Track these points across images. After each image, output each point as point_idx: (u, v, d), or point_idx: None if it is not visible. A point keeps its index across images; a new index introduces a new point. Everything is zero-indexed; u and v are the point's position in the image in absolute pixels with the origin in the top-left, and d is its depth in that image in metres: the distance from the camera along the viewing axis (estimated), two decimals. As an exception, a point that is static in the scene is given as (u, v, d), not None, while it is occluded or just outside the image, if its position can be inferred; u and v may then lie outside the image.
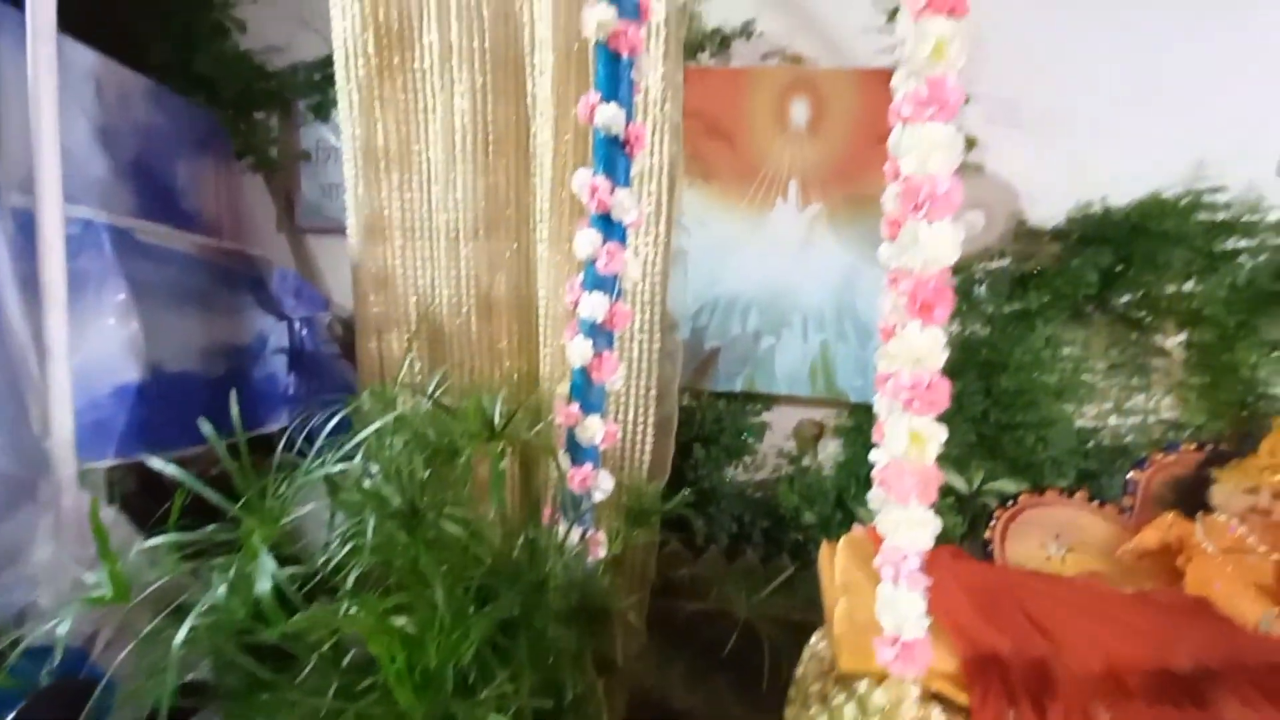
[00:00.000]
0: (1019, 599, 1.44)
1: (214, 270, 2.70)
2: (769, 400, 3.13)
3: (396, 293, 2.47)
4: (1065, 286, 2.82)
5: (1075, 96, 2.86)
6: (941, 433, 1.23)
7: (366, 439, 1.46)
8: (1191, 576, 1.54)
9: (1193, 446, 1.73)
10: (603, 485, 1.85)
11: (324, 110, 3.12)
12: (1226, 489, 1.58)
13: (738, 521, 3.00)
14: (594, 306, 1.71)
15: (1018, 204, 2.79)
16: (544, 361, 2.54)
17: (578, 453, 1.85)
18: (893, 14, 2.92)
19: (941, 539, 2.94)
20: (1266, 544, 1.48)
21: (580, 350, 1.74)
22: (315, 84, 3.06)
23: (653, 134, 2.24)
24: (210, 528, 1.33)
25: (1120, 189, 2.80)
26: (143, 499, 1.85)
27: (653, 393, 2.36)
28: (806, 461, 3.17)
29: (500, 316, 2.56)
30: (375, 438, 1.45)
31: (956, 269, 2.98)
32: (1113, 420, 2.91)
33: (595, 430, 1.81)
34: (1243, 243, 2.75)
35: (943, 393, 1.22)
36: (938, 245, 1.18)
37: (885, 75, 2.99)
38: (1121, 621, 1.32)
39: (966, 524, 3.02)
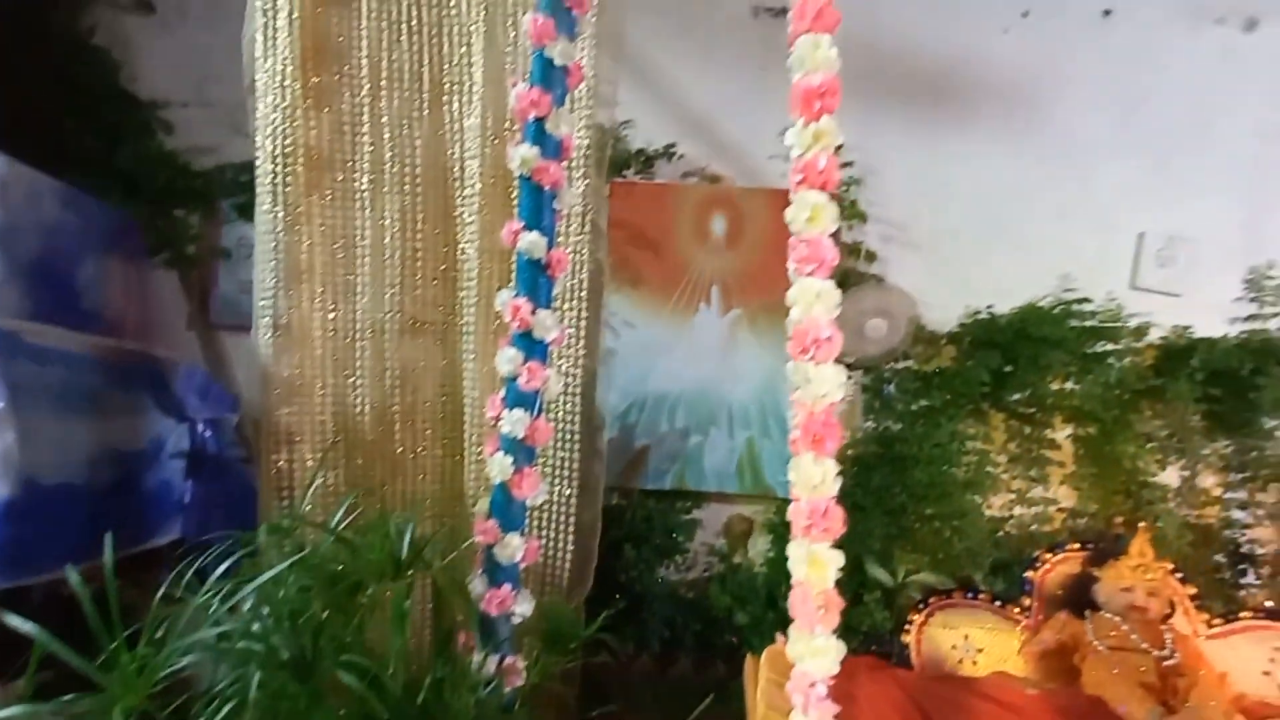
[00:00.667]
0: (928, 712, 1.39)
1: (110, 371, 2.30)
2: (698, 497, 2.86)
3: (314, 400, 2.06)
4: (962, 385, 2.82)
5: (959, 219, 3.01)
6: (838, 559, 1.19)
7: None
8: (1087, 675, 1.49)
9: (1077, 546, 1.79)
10: (521, 607, 1.64)
11: (249, 210, 2.80)
12: (1107, 588, 1.54)
13: (669, 626, 2.64)
14: (515, 422, 1.60)
15: (916, 311, 2.73)
16: (469, 475, 2.31)
17: (496, 572, 1.64)
18: (798, 143, 2.93)
19: (870, 634, 2.64)
20: (1147, 641, 1.45)
21: (501, 466, 1.60)
22: (243, 185, 2.75)
23: (574, 256, 2.23)
24: (67, 698, 1.06)
25: (1002, 298, 2.82)
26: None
27: (574, 500, 2.19)
28: (737, 559, 2.88)
29: (425, 428, 2.29)
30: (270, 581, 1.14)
31: (868, 369, 2.89)
32: (1018, 510, 2.80)
33: (515, 548, 1.62)
34: (1109, 346, 2.76)
35: (837, 519, 1.19)
36: (825, 384, 1.21)
37: (794, 195, 3.05)
38: None
39: (894, 619, 2.74)
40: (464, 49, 2.22)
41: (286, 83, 2.09)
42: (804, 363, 1.22)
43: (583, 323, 2.26)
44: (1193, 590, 1.65)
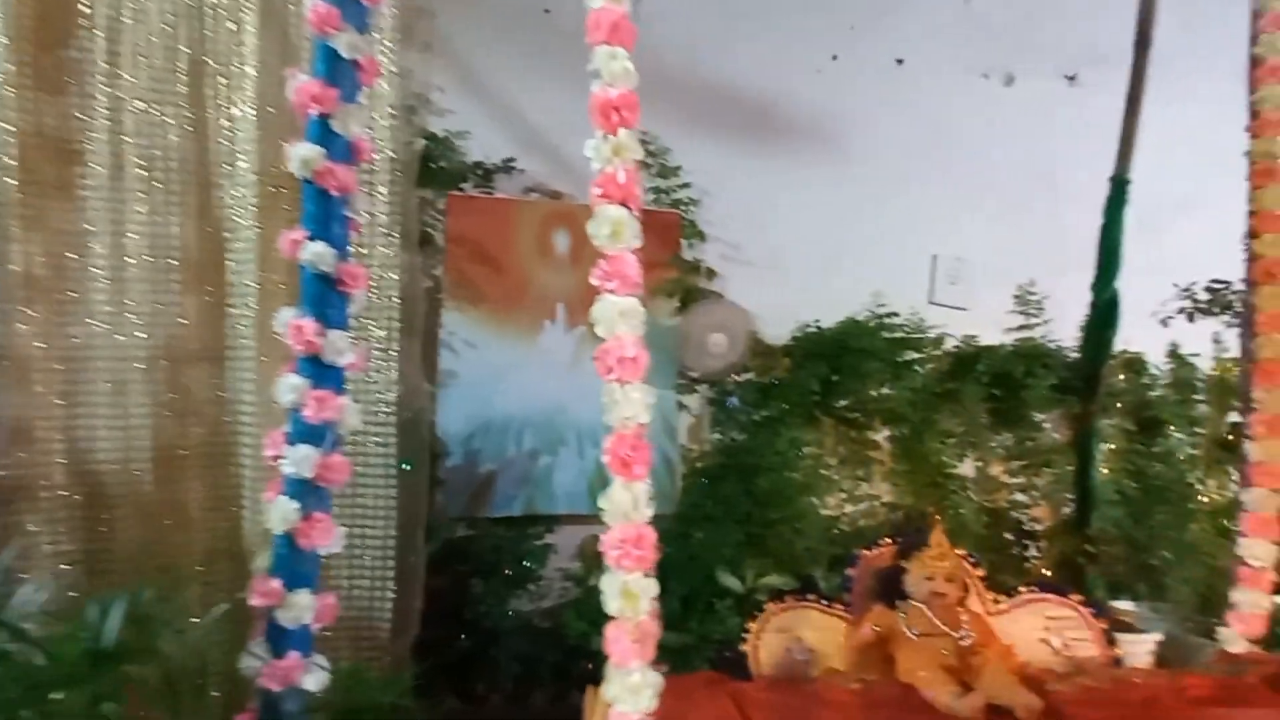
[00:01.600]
0: None
1: None
2: (550, 521, 2.43)
3: (41, 448, 1.37)
4: (796, 395, 2.59)
5: (787, 240, 2.89)
6: (652, 588, 1.03)
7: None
8: (899, 664, 1.45)
9: (889, 540, 1.71)
10: (315, 676, 1.25)
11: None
12: (913, 578, 1.47)
13: (522, 661, 2.14)
14: (300, 461, 1.23)
15: (753, 325, 2.48)
16: (247, 526, 1.69)
17: (281, 640, 1.24)
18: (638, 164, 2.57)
19: (723, 641, 2.29)
20: (947, 624, 1.40)
21: (283, 512, 1.22)
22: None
23: (381, 270, 1.84)
24: None
25: (827, 313, 2.64)
26: None
27: (393, 543, 1.55)
28: (594, 581, 2.39)
29: (191, 476, 1.60)
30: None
31: (713, 383, 2.58)
32: (849, 508, 2.59)
33: (304, 608, 1.23)
34: (915, 355, 2.66)
35: (650, 546, 1.03)
36: (632, 406, 1.04)
37: (640, 214, 2.69)
38: None
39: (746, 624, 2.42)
40: (232, 24, 1.63)
41: (3, 61, 1.40)
42: (611, 383, 1.04)
43: (394, 343, 1.87)
44: (982, 572, 1.67)
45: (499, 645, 2.29)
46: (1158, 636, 2.45)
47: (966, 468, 2.96)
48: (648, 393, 1.02)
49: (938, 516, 1.56)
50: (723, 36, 2.92)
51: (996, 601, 1.57)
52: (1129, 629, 2.54)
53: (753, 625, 1.62)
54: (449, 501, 2.42)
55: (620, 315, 1.04)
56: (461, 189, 2.58)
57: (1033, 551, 2.89)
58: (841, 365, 2.80)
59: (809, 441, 2.80)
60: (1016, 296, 3.13)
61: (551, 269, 2.62)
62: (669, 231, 2.73)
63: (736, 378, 2.76)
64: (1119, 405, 3.08)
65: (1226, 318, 2.57)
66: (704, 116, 2.89)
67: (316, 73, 1.20)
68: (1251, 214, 1.44)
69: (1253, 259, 1.45)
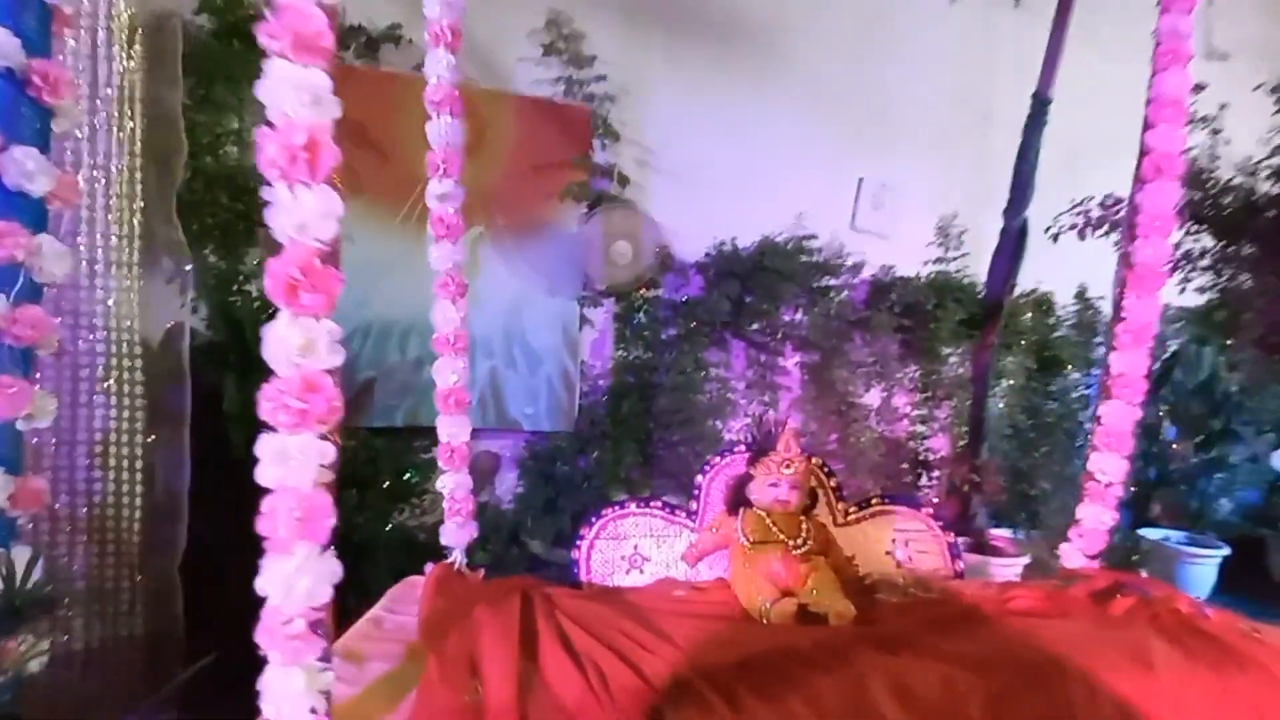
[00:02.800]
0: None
1: None
2: (436, 434, 2.20)
3: None
4: (705, 315, 2.41)
5: (708, 152, 2.69)
6: (326, 451, 0.73)
7: None
8: (731, 570, 1.38)
9: (743, 447, 1.55)
10: None
11: None
12: (757, 484, 1.37)
13: (396, 575, 1.99)
14: None
15: (661, 237, 2.30)
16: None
17: None
18: (548, 48, 2.30)
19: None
20: (785, 533, 1.31)
21: None
22: None
23: (126, 149, 1.54)
24: None
25: (745, 232, 2.49)
26: None
27: (140, 441, 1.38)
28: (484, 498, 2.30)
29: None
30: None
31: (619, 297, 2.42)
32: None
33: None
34: (832, 281, 2.56)
35: (328, 401, 0.71)
36: (302, 212, 0.66)
37: (543, 105, 2.44)
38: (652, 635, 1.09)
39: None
40: None
41: None
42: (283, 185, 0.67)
43: (131, 239, 1.58)
44: (835, 481, 1.57)
45: (371, 560, 2.17)
46: (1025, 560, 2.58)
47: (872, 397, 2.98)
48: (329, 199, 0.67)
49: (787, 421, 1.47)
50: None
51: (847, 513, 1.49)
52: (1001, 554, 2.66)
53: (585, 531, 1.51)
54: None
55: (297, 89, 0.64)
56: (340, 58, 2.25)
57: (925, 480, 2.97)
58: (755, 285, 2.69)
59: (717, 363, 2.74)
60: (939, 227, 3.07)
61: (445, 160, 2.36)
62: (578, 127, 2.44)
63: (644, 292, 2.62)
64: (1023, 343, 3.14)
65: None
66: (628, 5, 2.60)
67: None
68: (1147, 103, 1.33)
69: (1143, 154, 1.34)
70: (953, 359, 3.00)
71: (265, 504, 0.71)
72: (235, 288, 2.13)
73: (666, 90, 2.64)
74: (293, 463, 0.68)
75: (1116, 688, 0.93)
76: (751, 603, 1.23)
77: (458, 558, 1.49)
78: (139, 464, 1.55)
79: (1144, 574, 2.59)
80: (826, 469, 1.53)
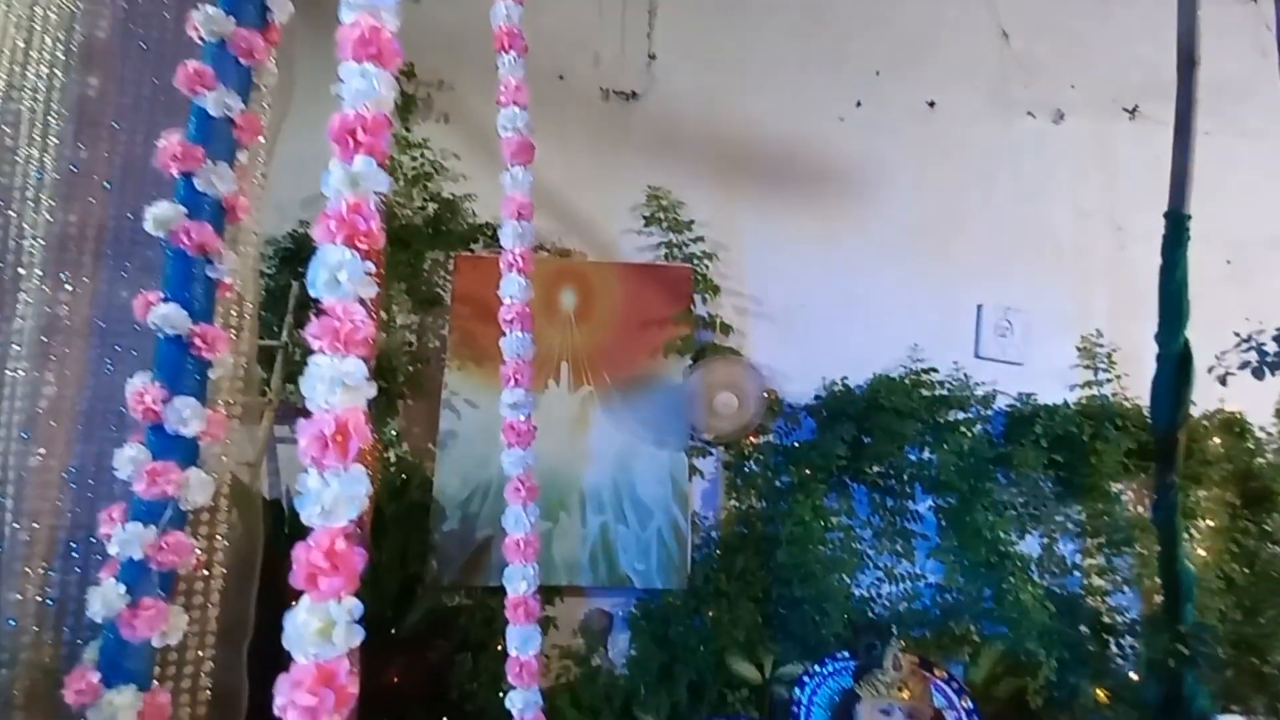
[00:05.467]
0: None
1: None
2: (549, 592, 2.24)
3: None
4: (819, 459, 2.34)
5: (809, 293, 2.62)
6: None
7: None
8: None
9: (846, 654, 1.09)
10: None
11: None
12: (867, 710, 1.20)
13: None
14: (128, 539, 1.03)
15: (766, 384, 2.31)
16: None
17: None
18: (649, 219, 2.52)
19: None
20: None
21: (106, 596, 1.02)
22: None
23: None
24: None
25: (855, 370, 2.41)
26: None
27: (208, 654, 1.34)
28: (596, 661, 2.22)
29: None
30: None
31: (728, 445, 2.39)
32: (886, 588, 2.29)
33: (121, 707, 0.99)
34: (960, 415, 2.37)
35: (339, 695, 0.65)
36: (330, 499, 0.67)
37: (646, 269, 2.62)
38: None
39: (767, 718, 2.16)
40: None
41: None
42: (310, 468, 0.70)
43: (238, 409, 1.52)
44: (969, 703, 1.16)
45: (484, 729, 2.12)
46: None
47: (1030, 545, 2.58)
48: (356, 483, 0.72)
49: (894, 630, 1.24)
50: (739, 86, 2.78)
51: None
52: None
53: None
54: (442, 568, 2.31)
55: (330, 382, 0.71)
56: (471, 250, 2.60)
57: (1114, 649, 2.44)
58: (873, 426, 2.48)
59: (837, 511, 2.53)
60: (1080, 349, 2.74)
61: (557, 327, 2.52)
62: (679, 285, 2.54)
63: (753, 439, 2.56)
64: (1216, 475, 2.63)
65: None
66: (720, 169, 2.76)
67: (189, 133, 1.11)
68: None
69: None
70: (1125, 496, 2.57)
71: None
72: (375, 456, 2.36)
73: (763, 241, 2.70)
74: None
75: None
76: None
77: None
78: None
79: None
80: (956, 685, 1.29)
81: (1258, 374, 2.02)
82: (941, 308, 2.76)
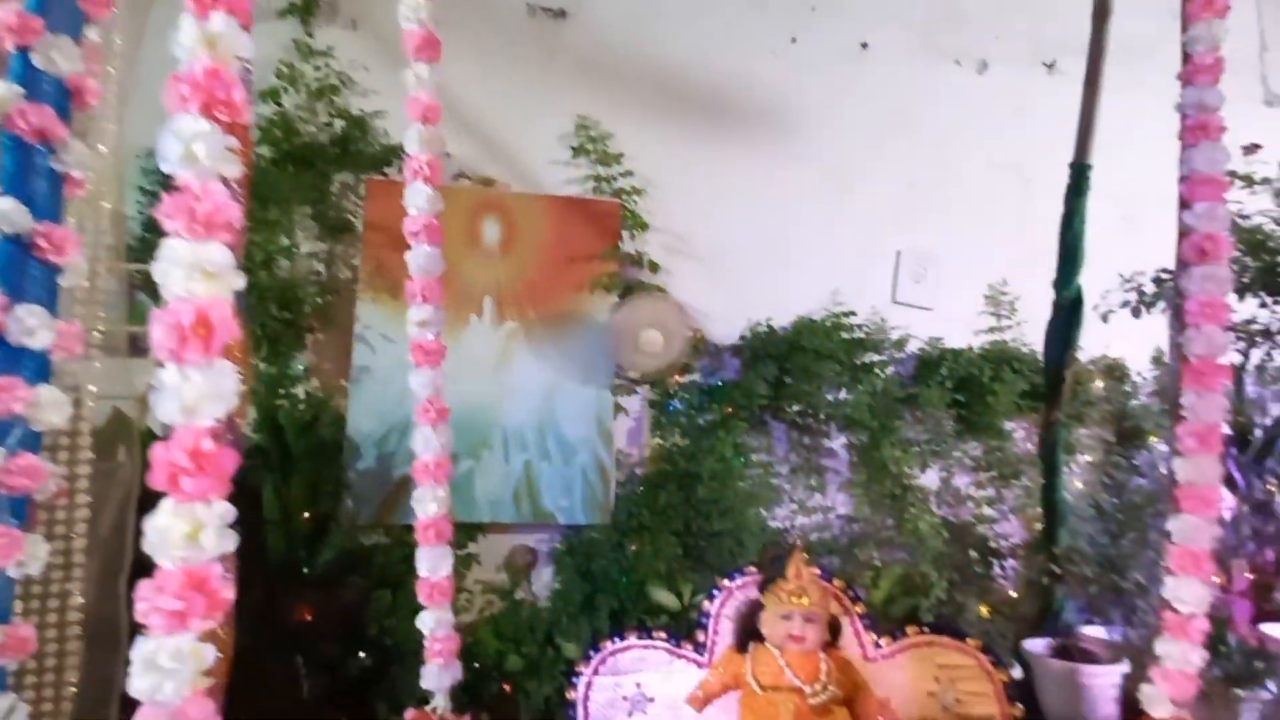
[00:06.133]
0: None
1: None
2: (472, 529, 2.19)
3: None
4: (742, 398, 2.38)
5: (737, 234, 2.66)
6: (205, 655, 0.61)
7: None
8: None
9: (753, 569, 1.39)
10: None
11: None
12: (768, 616, 1.19)
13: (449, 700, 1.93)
14: None
15: (692, 323, 2.29)
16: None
17: None
18: (577, 150, 2.41)
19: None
20: (801, 675, 1.12)
21: None
22: None
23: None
24: None
25: (779, 312, 2.45)
26: None
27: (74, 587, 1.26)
28: (520, 595, 2.23)
29: None
30: None
31: (654, 383, 2.38)
32: (800, 520, 2.39)
33: None
34: (875, 357, 2.46)
35: (213, 596, 0.60)
36: (193, 394, 0.60)
37: (573, 203, 2.53)
38: None
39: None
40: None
41: None
42: (166, 362, 0.61)
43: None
44: (861, 608, 1.34)
45: (403, 663, 2.11)
46: (1124, 669, 2.24)
47: (930, 478, 2.77)
48: (221, 378, 0.64)
49: (798, 542, 1.32)
50: (673, 12, 2.66)
51: (878, 644, 1.29)
52: (1094, 659, 2.32)
53: (583, 667, 1.36)
54: (358, 507, 2.23)
55: (188, 267, 0.61)
56: (384, 174, 2.42)
57: (997, 570, 2.68)
58: (793, 366, 2.54)
59: (757, 448, 2.62)
60: (987, 296, 2.91)
61: (479, 260, 2.40)
62: (607, 221, 2.47)
63: (678, 378, 2.58)
64: (1096, 414, 2.87)
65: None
66: (651, 101, 2.67)
67: (26, 1, 0.93)
68: (1182, 180, 1.23)
69: (1182, 236, 1.19)
70: (1018, 434, 2.78)
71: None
72: (283, 392, 2.23)
73: (692, 178, 2.65)
74: (165, 671, 0.57)
75: None
76: None
77: (440, 704, 1.37)
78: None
79: (1268, 688, 2.20)
80: (852, 593, 1.36)
81: (1135, 312, 2.18)
82: (862, 252, 2.82)
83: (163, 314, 0.59)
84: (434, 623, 1.36)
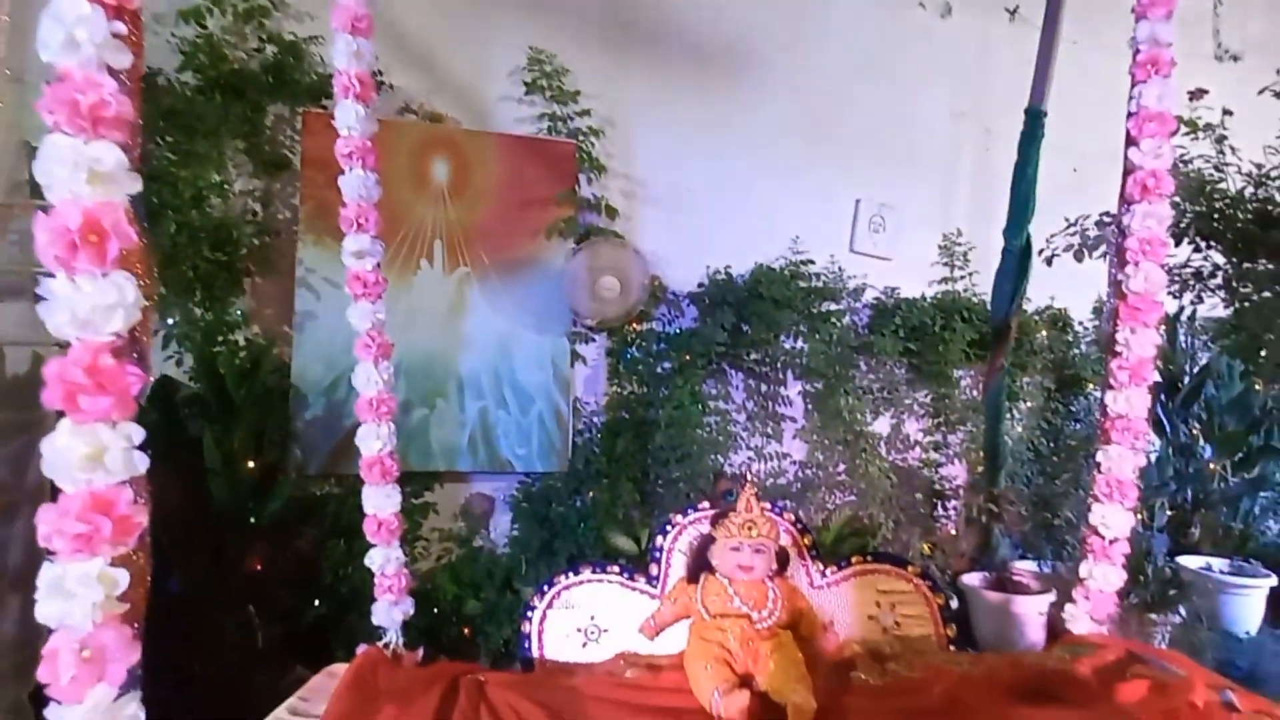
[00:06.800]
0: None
1: None
2: (427, 478, 2.16)
3: None
4: (700, 346, 2.41)
5: (697, 180, 2.60)
6: (118, 580, 0.58)
7: None
8: (687, 649, 1.20)
9: (707, 505, 1.42)
10: None
11: None
12: (719, 549, 1.22)
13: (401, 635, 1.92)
14: None
15: (650, 270, 2.25)
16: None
17: None
18: (530, 86, 2.29)
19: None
20: (749, 603, 1.15)
21: None
22: None
23: None
24: None
25: (738, 260, 2.44)
26: None
27: None
28: (478, 542, 2.23)
29: None
30: None
31: (612, 331, 2.36)
32: (757, 467, 2.42)
33: None
34: (833, 306, 2.47)
35: (122, 522, 0.57)
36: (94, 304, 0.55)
37: (527, 143, 2.42)
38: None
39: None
40: None
41: None
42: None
43: None
44: (809, 539, 1.38)
45: (359, 610, 2.09)
46: (1050, 598, 2.39)
47: (881, 425, 2.84)
48: (119, 290, 0.58)
49: (750, 479, 1.36)
50: None
51: (824, 574, 1.34)
52: (1024, 590, 2.48)
53: (536, 601, 1.36)
54: (307, 456, 2.17)
55: (74, 167, 0.54)
56: (323, 106, 2.26)
57: (941, 511, 2.81)
58: (752, 314, 2.54)
59: (714, 395, 2.62)
60: (942, 246, 2.95)
61: (428, 202, 2.29)
62: (563, 163, 2.36)
63: (636, 326, 2.55)
64: (1039, 363, 2.98)
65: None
66: (610, 36, 2.54)
67: None
68: (1129, 115, 1.19)
69: (1127, 173, 1.19)
70: (965, 382, 2.86)
71: (46, 647, 0.57)
72: (220, 338, 2.12)
73: (651, 120, 2.56)
74: (75, 597, 0.55)
75: None
76: (702, 693, 1.08)
77: (392, 638, 1.36)
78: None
79: (1179, 613, 2.39)
80: (800, 525, 1.40)
81: (1078, 256, 2.23)
82: (822, 199, 2.80)
83: (47, 220, 0.52)
84: (383, 559, 1.35)
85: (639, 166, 2.57)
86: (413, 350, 2.23)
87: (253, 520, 1.99)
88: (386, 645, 1.34)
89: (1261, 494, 2.82)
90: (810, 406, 2.69)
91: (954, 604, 2.18)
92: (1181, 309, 2.78)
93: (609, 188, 2.52)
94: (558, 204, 2.39)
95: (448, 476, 2.36)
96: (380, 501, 1.32)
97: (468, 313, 2.32)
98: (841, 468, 2.67)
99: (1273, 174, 2.08)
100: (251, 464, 1.99)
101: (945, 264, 2.87)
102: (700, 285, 2.58)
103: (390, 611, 1.35)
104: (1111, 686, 1.05)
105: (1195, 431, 2.94)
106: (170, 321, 2.04)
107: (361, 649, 1.30)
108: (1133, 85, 1.22)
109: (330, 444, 2.18)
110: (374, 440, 1.31)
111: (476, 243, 2.33)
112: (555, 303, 2.38)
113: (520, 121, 2.44)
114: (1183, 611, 2.29)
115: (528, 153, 2.39)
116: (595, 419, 2.53)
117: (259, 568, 1.97)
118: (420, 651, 1.36)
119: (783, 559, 1.24)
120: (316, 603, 2.01)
